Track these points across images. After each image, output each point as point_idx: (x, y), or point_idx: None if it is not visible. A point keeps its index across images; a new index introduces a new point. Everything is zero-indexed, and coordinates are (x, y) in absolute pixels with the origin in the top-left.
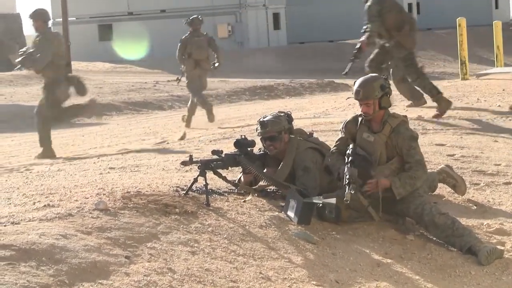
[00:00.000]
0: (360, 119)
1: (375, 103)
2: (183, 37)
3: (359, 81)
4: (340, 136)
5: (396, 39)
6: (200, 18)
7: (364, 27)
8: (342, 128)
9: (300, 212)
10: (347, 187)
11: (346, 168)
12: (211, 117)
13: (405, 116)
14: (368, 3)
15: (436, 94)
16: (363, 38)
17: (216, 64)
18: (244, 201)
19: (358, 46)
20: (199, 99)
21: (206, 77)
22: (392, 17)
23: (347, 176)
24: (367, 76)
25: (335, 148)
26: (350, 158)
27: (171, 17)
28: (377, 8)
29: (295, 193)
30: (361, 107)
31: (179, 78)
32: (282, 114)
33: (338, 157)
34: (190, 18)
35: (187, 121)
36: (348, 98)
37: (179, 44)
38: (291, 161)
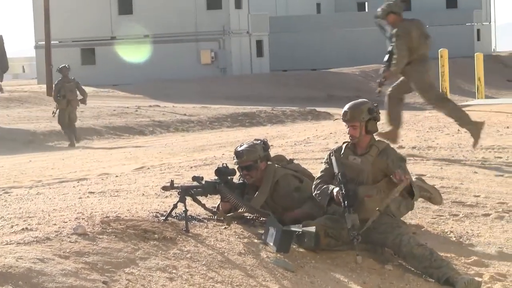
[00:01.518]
0: (344, 146)
1: (361, 126)
2: (57, 81)
3: (348, 104)
4: (324, 167)
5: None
6: (67, 67)
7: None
8: (327, 159)
9: (279, 240)
10: (355, 242)
11: (346, 215)
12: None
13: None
14: (397, 32)
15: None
16: (387, 68)
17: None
18: (225, 228)
19: (382, 73)
20: (66, 133)
21: (75, 112)
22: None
23: (350, 227)
24: (357, 100)
25: (319, 179)
26: (346, 202)
27: (154, 42)
28: (405, 40)
29: (275, 221)
30: (348, 129)
31: (54, 112)
32: (258, 142)
33: (323, 187)
34: (60, 67)
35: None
36: (336, 119)
37: (53, 86)
38: (267, 188)
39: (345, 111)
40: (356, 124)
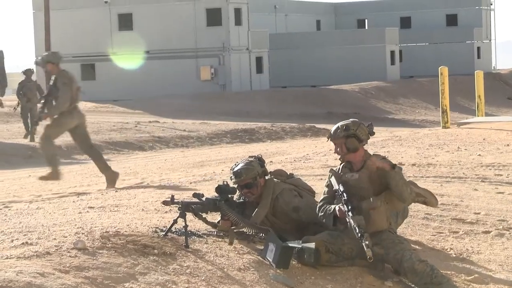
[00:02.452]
0: (341, 166)
1: (341, 143)
2: (21, 81)
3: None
4: (325, 189)
5: None
6: (32, 70)
7: None
8: (327, 181)
9: (278, 256)
10: (362, 242)
11: (351, 218)
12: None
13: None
14: (63, 80)
15: None
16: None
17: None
18: (229, 244)
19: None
20: (25, 124)
21: (35, 109)
22: None
23: (357, 228)
24: (348, 120)
25: (322, 202)
26: (349, 206)
27: (154, 58)
28: (70, 88)
29: (275, 236)
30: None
31: (15, 107)
32: (253, 158)
33: (326, 208)
34: (25, 69)
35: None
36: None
37: (18, 85)
38: (268, 203)
39: (329, 131)
40: (336, 141)
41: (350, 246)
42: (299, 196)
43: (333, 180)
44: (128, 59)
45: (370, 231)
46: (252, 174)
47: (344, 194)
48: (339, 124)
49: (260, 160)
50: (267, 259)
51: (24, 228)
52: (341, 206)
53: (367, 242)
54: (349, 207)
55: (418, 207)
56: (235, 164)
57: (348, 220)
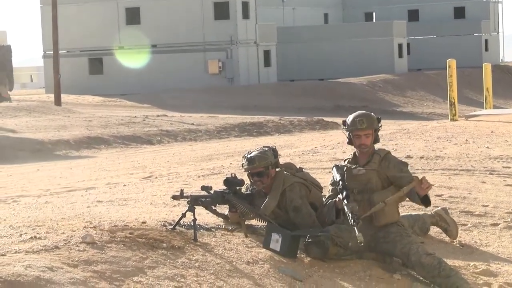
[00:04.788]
0: (345, 161)
1: (373, 134)
2: None
3: (356, 113)
4: (331, 187)
5: None
6: None
7: None
8: (331, 183)
9: (287, 246)
10: (355, 227)
11: (345, 204)
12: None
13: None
14: None
15: None
16: None
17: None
18: (245, 236)
19: None
20: None
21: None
22: None
23: (350, 214)
24: (361, 111)
25: (327, 199)
26: (344, 193)
27: (162, 52)
28: None
29: (278, 227)
30: (357, 139)
31: None
32: (267, 148)
33: (328, 202)
34: None
35: None
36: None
37: None
38: (277, 194)
39: (360, 120)
40: (369, 132)
41: (360, 223)
42: (305, 198)
43: (334, 171)
44: (135, 53)
45: (382, 223)
46: (265, 163)
47: (340, 182)
48: (369, 113)
49: (274, 151)
50: (271, 249)
51: (32, 223)
52: (339, 196)
53: (357, 230)
54: (344, 193)
55: None
56: (249, 152)
57: (342, 199)
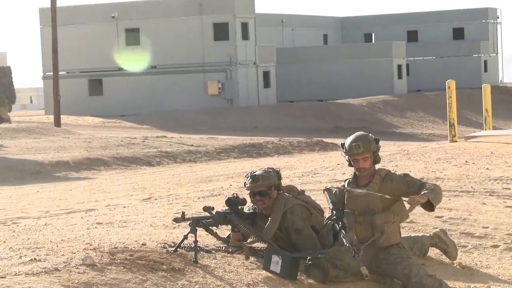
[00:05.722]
0: (345, 183)
1: (371, 156)
2: None
3: (352, 136)
4: (331, 207)
5: None
6: None
7: None
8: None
9: (287, 268)
10: (357, 258)
11: (342, 236)
12: None
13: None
14: None
15: None
16: None
17: None
18: (247, 258)
19: None
20: None
21: None
22: None
23: (349, 245)
24: (359, 132)
25: (327, 220)
26: (340, 223)
27: (161, 73)
28: None
29: (278, 249)
30: (355, 163)
31: None
32: (272, 170)
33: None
34: None
35: None
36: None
37: None
38: (279, 217)
39: (356, 144)
40: (367, 155)
41: (358, 262)
42: (307, 220)
43: (326, 196)
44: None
45: (385, 245)
46: (268, 183)
47: (334, 212)
48: (365, 135)
49: (277, 173)
50: (272, 271)
51: (32, 244)
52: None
53: (362, 264)
54: (340, 224)
55: (427, 221)
56: (253, 171)
57: (339, 231)
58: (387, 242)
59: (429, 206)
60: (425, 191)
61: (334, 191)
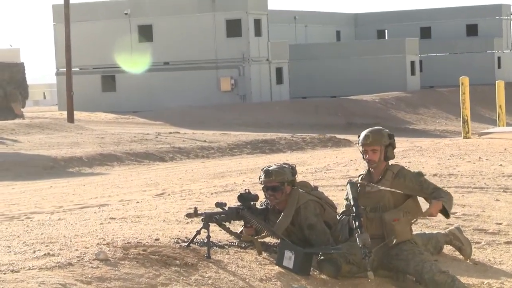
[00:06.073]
0: (359, 178)
1: (381, 150)
2: None
3: (368, 129)
4: (345, 203)
5: None
6: None
7: None
8: (346, 194)
9: (300, 263)
10: (366, 261)
11: (357, 235)
12: None
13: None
14: None
15: None
16: None
17: None
18: (259, 254)
19: None
20: None
21: None
22: None
23: (361, 245)
24: (376, 127)
25: (341, 214)
26: (357, 222)
27: (174, 69)
28: None
29: (290, 244)
30: (366, 155)
31: None
32: (287, 166)
33: (341, 219)
34: None
35: None
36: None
37: None
38: (291, 213)
39: (366, 135)
40: (376, 148)
41: (372, 257)
42: (320, 216)
43: (348, 189)
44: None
45: (394, 243)
46: (281, 178)
47: (354, 208)
48: (380, 129)
49: (293, 169)
50: (285, 266)
51: (46, 239)
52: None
53: (368, 266)
54: (357, 223)
55: (440, 217)
56: (269, 166)
57: (355, 229)
58: (397, 239)
59: (444, 213)
60: (442, 199)
61: (357, 186)
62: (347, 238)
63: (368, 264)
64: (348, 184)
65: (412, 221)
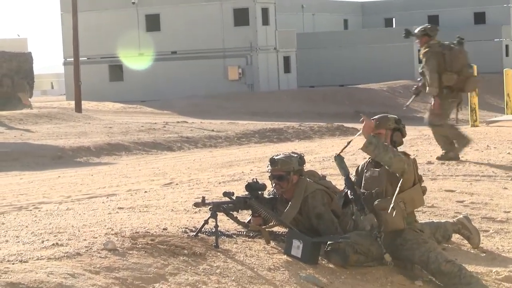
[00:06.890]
0: (365, 162)
1: (387, 134)
2: None
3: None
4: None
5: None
6: None
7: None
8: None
9: (308, 252)
10: (380, 245)
11: (362, 218)
12: None
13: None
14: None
15: None
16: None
17: None
18: (267, 243)
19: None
20: None
21: None
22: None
23: (369, 227)
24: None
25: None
26: (359, 205)
27: (182, 58)
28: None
29: (298, 233)
30: None
31: None
32: (295, 155)
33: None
34: None
35: None
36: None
37: None
38: (298, 202)
39: (373, 118)
40: (381, 131)
41: (380, 247)
42: (327, 205)
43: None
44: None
45: (389, 230)
46: (287, 168)
47: (351, 191)
48: (384, 115)
49: (300, 159)
50: (293, 255)
51: (54, 229)
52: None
53: (385, 251)
54: (359, 206)
55: (448, 206)
56: (276, 154)
57: (358, 212)
58: (389, 228)
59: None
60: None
61: (343, 158)
62: (341, 210)
63: (381, 246)
64: (336, 159)
65: (408, 211)
